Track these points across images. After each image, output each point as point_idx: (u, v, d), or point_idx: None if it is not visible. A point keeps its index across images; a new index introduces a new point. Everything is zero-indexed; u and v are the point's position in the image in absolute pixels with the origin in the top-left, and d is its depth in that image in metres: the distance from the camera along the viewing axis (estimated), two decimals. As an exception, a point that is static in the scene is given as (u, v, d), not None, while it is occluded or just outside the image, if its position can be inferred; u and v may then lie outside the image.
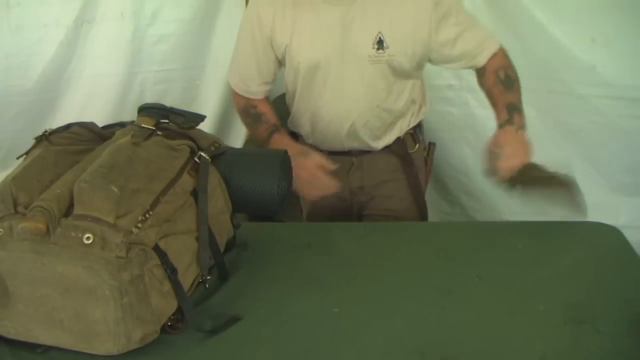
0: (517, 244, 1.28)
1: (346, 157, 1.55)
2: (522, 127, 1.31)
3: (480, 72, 1.43)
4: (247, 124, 1.53)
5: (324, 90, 1.40)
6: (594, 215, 1.43)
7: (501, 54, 1.42)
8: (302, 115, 1.48)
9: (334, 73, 1.38)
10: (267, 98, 1.54)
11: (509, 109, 1.32)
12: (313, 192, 1.34)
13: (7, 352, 0.99)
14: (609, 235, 1.31)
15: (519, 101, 1.36)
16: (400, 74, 1.39)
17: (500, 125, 1.31)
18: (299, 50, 1.36)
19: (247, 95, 1.51)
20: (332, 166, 1.34)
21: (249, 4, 1.43)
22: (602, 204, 2.06)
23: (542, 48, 1.96)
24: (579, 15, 1.88)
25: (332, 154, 1.52)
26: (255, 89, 1.49)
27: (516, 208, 2.20)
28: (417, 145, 1.60)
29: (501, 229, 1.42)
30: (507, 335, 1.02)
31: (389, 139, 1.54)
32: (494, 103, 1.37)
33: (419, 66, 1.43)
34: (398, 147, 1.55)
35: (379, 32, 1.31)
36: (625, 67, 1.89)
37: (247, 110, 1.51)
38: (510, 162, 1.23)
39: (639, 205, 2.09)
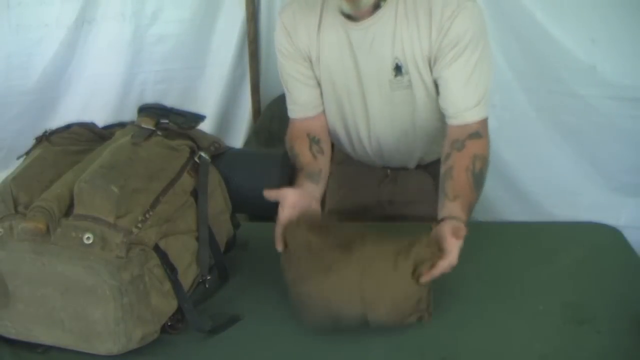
0: (517, 244, 1.28)
1: (381, 168, 1.53)
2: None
3: (457, 145, 1.26)
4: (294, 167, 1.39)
5: (350, 108, 1.39)
6: (594, 215, 1.43)
7: (487, 137, 1.27)
8: (335, 124, 1.46)
9: (357, 93, 1.36)
10: (314, 133, 1.40)
11: (469, 211, 1.17)
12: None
13: (7, 352, 0.99)
14: (609, 235, 1.31)
15: (474, 205, 1.21)
16: (424, 101, 1.33)
17: (461, 220, 1.14)
18: (323, 69, 1.35)
19: (302, 116, 1.42)
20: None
21: (277, 25, 1.40)
22: (602, 204, 2.07)
23: (542, 48, 1.96)
24: (579, 15, 1.88)
25: (364, 165, 1.51)
26: (307, 101, 1.41)
27: (516, 208, 2.21)
28: None
29: (501, 229, 1.42)
30: (507, 335, 1.02)
31: (423, 161, 1.50)
32: (456, 190, 1.20)
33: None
34: (435, 169, 1.45)
35: (396, 58, 1.27)
36: (625, 67, 1.89)
37: (289, 151, 1.41)
38: (447, 265, 1.07)
39: (639, 206, 2.09)
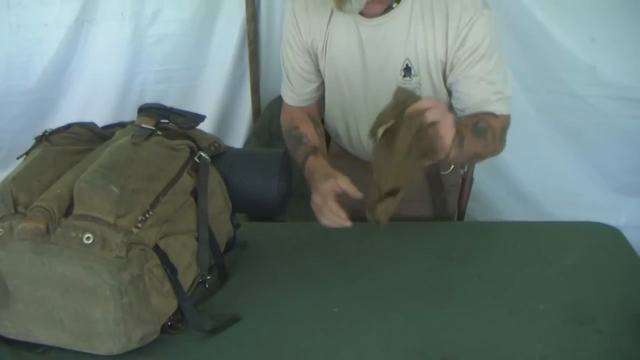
0: (517, 244, 1.28)
1: None
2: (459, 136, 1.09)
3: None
4: (290, 148, 1.42)
5: (352, 102, 1.40)
6: (594, 215, 1.43)
7: (502, 122, 1.26)
8: (335, 117, 1.47)
9: (360, 89, 1.37)
10: (313, 116, 1.46)
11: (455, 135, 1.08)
12: (323, 220, 1.22)
13: (7, 352, 0.99)
14: (609, 235, 1.31)
15: (469, 148, 1.17)
16: None
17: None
18: (328, 61, 1.36)
19: (299, 105, 1.45)
20: (355, 194, 1.19)
21: (287, 12, 1.40)
22: (602, 204, 2.07)
23: (542, 48, 1.96)
24: (579, 15, 1.88)
25: (360, 160, 1.51)
26: (305, 92, 1.45)
27: (516, 208, 2.21)
28: (453, 167, 1.52)
29: (501, 229, 1.42)
30: (507, 335, 1.02)
31: None
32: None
33: (449, 94, 1.34)
34: (430, 169, 1.49)
35: (407, 59, 1.28)
36: (625, 67, 1.90)
37: (290, 132, 1.44)
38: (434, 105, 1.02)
39: (639, 206, 2.09)
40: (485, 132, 1.21)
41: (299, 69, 1.40)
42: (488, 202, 2.19)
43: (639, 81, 1.90)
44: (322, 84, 1.45)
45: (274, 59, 2.39)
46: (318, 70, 1.41)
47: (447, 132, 1.02)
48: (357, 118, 1.41)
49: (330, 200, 1.19)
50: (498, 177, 2.15)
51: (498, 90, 1.25)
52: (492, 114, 1.25)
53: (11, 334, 0.98)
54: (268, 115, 2.41)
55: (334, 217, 1.19)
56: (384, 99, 1.35)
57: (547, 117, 2.07)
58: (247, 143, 2.43)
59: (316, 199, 1.22)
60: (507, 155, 2.11)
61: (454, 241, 1.29)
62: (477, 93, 1.25)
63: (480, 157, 1.30)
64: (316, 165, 1.31)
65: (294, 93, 1.45)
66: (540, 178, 2.17)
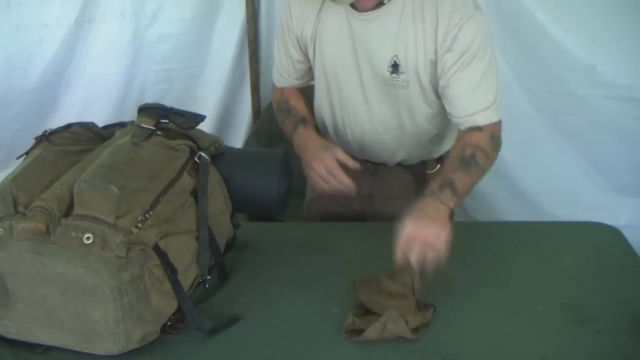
0: (517, 244, 1.28)
1: (362, 160, 1.53)
2: (446, 203, 1.14)
3: (459, 135, 1.31)
4: (280, 121, 1.49)
5: (338, 94, 1.40)
6: (594, 215, 1.44)
7: (490, 132, 1.26)
8: (322, 109, 1.48)
9: (348, 82, 1.37)
10: (303, 93, 1.51)
11: (444, 183, 1.16)
12: (325, 187, 1.27)
13: (7, 352, 0.99)
14: (609, 235, 1.31)
15: (465, 186, 1.19)
16: (418, 104, 1.34)
17: (424, 195, 1.17)
18: (317, 51, 1.37)
19: (294, 87, 1.50)
20: (353, 164, 1.27)
21: (284, 3, 1.41)
22: (602, 204, 2.07)
23: (542, 48, 1.96)
24: (579, 15, 1.88)
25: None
26: (295, 78, 1.48)
27: (516, 208, 2.21)
28: (439, 166, 1.50)
29: (501, 229, 1.42)
30: (507, 335, 1.02)
31: (405, 162, 1.49)
32: (441, 173, 1.24)
33: (439, 97, 1.34)
34: (417, 169, 1.49)
35: (395, 56, 1.28)
36: (625, 67, 1.89)
37: (280, 106, 1.48)
38: (410, 229, 1.07)
39: (639, 206, 2.09)
40: (474, 157, 1.21)
41: (290, 57, 1.43)
42: (488, 202, 2.19)
43: (639, 81, 1.90)
44: (309, 73, 1.46)
45: (274, 59, 2.39)
46: (308, 59, 1.42)
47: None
48: (343, 109, 1.41)
49: (338, 172, 1.24)
50: (498, 177, 2.14)
51: (487, 95, 1.25)
52: (477, 128, 1.24)
53: (11, 334, 0.98)
54: (268, 115, 2.40)
55: (340, 186, 1.24)
56: (372, 93, 1.35)
57: (547, 117, 2.07)
58: (247, 143, 2.43)
59: (318, 168, 1.25)
60: (507, 155, 2.12)
61: (453, 241, 1.29)
62: (466, 97, 1.26)
63: (478, 181, 1.29)
64: (307, 135, 1.36)
65: (284, 78, 1.48)
66: (540, 178, 2.17)
